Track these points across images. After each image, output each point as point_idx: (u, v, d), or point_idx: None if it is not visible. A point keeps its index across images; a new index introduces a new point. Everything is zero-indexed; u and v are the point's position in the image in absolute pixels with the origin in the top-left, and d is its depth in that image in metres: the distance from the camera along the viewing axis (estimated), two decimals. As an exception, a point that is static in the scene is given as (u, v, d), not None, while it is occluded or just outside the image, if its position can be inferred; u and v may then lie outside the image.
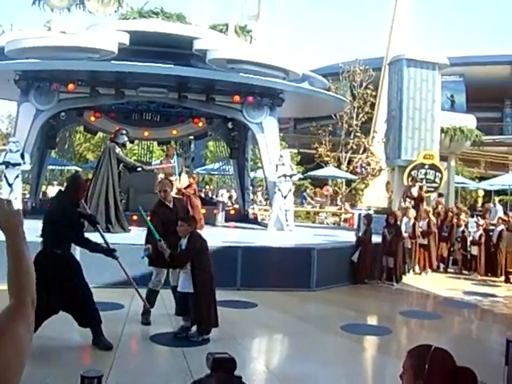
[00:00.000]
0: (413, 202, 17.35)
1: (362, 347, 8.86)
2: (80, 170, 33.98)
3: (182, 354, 7.36)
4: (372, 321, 10.59)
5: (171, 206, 8.94)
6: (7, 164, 15.28)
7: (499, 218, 16.95)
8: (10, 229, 1.88)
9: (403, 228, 14.95)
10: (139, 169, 14.70)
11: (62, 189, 8.57)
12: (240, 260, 11.94)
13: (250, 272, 11.89)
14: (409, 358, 2.88)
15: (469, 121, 22.67)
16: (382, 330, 9.27)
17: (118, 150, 14.25)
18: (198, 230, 14.65)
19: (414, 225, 15.59)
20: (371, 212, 21.17)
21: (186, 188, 15.48)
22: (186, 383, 6.19)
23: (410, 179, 19.05)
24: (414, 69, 19.91)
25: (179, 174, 15.54)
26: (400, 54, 21.09)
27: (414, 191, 17.87)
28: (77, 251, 11.19)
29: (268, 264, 12.27)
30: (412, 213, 15.92)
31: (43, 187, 22.33)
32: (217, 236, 14.82)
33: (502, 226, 15.81)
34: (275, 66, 15.78)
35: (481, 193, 36.89)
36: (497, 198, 25.63)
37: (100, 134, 25.76)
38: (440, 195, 19.73)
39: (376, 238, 14.23)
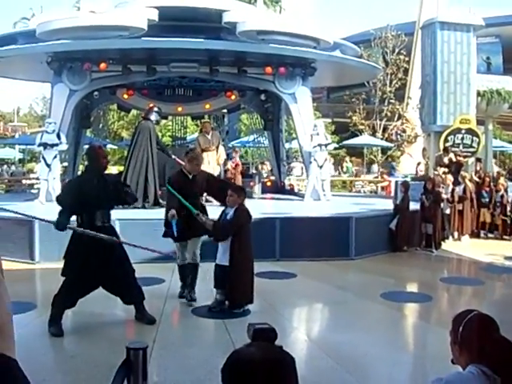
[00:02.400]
0: (448, 169, 17.17)
1: (403, 315, 8.85)
2: (115, 147, 34.37)
3: (224, 325, 7.44)
4: (412, 288, 10.53)
5: (190, 177, 8.83)
6: (45, 145, 15.45)
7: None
8: None
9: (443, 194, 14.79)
10: (173, 156, 14.91)
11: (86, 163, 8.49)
12: (278, 231, 11.97)
13: (289, 243, 11.92)
14: (452, 323, 2.90)
15: (506, 83, 22.18)
16: (423, 298, 9.23)
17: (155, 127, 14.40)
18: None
19: (452, 191, 15.42)
20: (408, 179, 21.00)
21: (234, 168, 15.58)
22: (227, 352, 6.27)
23: (442, 148, 18.78)
24: (448, 32, 19.52)
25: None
26: (433, 17, 20.69)
27: (446, 160, 17.66)
28: (117, 226, 11.44)
29: (306, 234, 12.26)
30: (449, 178, 15.75)
31: (80, 166, 22.58)
32: (255, 208, 14.74)
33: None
34: (306, 36, 15.60)
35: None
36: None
37: (134, 112, 25.86)
38: (478, 160, 19.48)
39: (414, 205, 14.12)
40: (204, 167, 14.31)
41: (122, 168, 19.12)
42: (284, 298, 9.22)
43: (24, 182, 29.20)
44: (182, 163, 15.46)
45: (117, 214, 12.08)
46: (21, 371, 1.77)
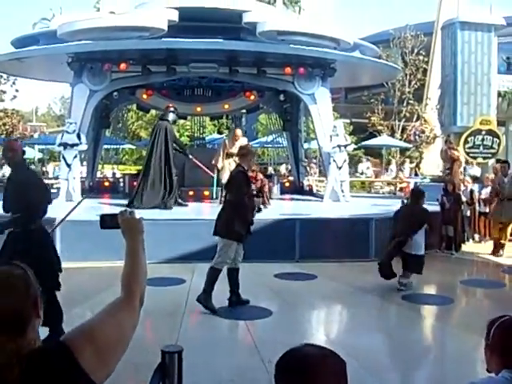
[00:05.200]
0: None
1: (424, 317, 8.84)
2: (133, 147, 34.52)
3: (246, 326, 7.47)
4: (433, 290, 10.47)
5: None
6: (65, 145, 15.58)
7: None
8: (132, 234, 2.28)
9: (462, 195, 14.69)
10: (190, 157, 14.98)
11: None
12: (298, 232, 11.96)
13: (309, 244, 11.90)
14: (486, 328, 2.89)
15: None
16: (444, 300, 9.19)
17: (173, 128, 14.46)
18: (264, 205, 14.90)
19: (471, 192, 15.31)
20: (427, 180, 20.92)
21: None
22: (252, 355, 6.30)
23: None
24: (469, 32, 19.42)
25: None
26: (453, 18, 20.60)
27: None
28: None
29: (326, 235, 12.27)
30: (468, 180, 15.66)
31: (99, 166, 22.73)
32: (274, 209, 14.91)
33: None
34: (326, 36, 15.60)
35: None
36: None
37: (152, 112, 26.01)
38: (499, 161, 19.35)
39: (433, 207, 14.04)
40: (225, 173, 14.47)
41: (140, 167, 19.25)
42: (304, 298, 9.22)
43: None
44: (199, 164, 15.61)
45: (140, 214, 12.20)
46: None
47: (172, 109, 15.23)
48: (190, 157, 15.13)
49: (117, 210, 2.44)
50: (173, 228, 11.42)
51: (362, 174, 31.69)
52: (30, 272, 1.91)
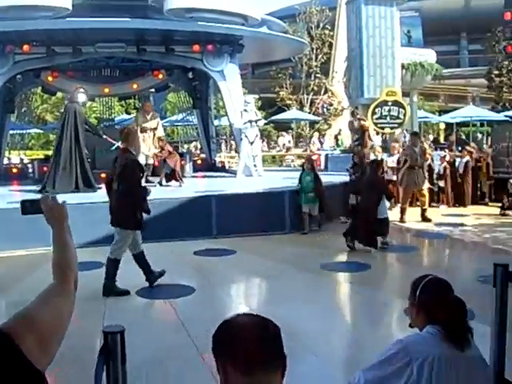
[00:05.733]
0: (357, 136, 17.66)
1: (343, 283, 9.12)
2: (40, 132, 33.51)
3: (170, 305, 7.51)
4: (350, 258, 10.68)
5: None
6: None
7: (464, 149, 17.26)
8: (57, 221, 2.22)
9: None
10: (104, 136, 14.74)
11: None
12: (214, 208, 12.02)
13: (225, 219, 11.97)
14: (410, 287, 3.08)
15: (429, 55, 22.77)
16: (362, 266, 9.49)
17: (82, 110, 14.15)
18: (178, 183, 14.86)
19: (381, 160, 15.77)
20: (338, 152, 21.42)
21: (159, 153, 15.54)
22: (178, 332, 6.37)
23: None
24: (372, 6, 19.82)
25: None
26: (356, -7, 20.94)
27: (356, 124, 18.08)
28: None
29: (242, 210, 12.32)
30: (378, 149, 16.14)
31: (6, 152, 22.02)
32: (188, 187, 14.91)
33: (467, 158, 16.12)
34: (234, 13, 15.63)
35: (442, 126, 37.35)
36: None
37: (58, 94, 25.35)
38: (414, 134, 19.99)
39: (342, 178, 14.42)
40: (142, 146, 14.38)
41: (48, 152, 18.77)
42: (224, 274, 9.33)
43: None
44: (115, 142, 15.40)
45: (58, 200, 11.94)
46: None
47: (81, 90, 14.87)
48: (104, 136, 14.88)
49: (32, 197, 2.40)
50: (88, 211, 11.21)
51: (284, 147, 31.94)
52: None
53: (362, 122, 17.57)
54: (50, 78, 19.19)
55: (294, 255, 10.58)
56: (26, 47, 15.44)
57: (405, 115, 19.17)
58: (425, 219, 13.85)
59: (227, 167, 20.98)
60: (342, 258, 10.62)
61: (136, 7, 15.85)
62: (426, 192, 14.28)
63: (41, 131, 33.35)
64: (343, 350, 6.47)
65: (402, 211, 13.95)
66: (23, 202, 2.37)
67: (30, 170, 19.08)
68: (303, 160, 27.22)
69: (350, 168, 14.16)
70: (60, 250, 2.19)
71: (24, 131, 25.09)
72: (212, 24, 15.59)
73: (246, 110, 16.70)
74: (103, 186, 14.28)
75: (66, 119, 14.12)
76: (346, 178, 14.09)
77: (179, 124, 27.16)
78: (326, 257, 10.20)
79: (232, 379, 1.81)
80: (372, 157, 15.71)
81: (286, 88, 32.89)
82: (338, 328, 6.86)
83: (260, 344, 1.81)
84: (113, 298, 7.88)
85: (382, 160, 13.67)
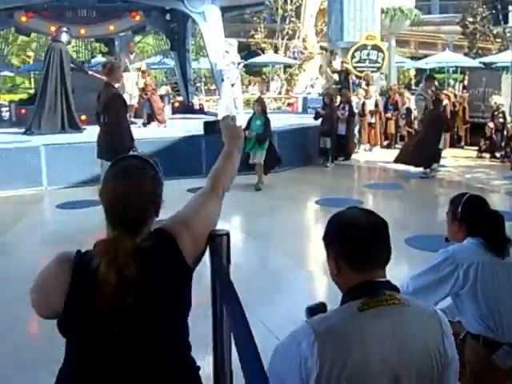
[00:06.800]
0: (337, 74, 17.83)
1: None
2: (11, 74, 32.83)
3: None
4: (341, 194, 10.90)
5: None
6: None
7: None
8: (233, 139, 2.55)
9: (354, 107, 15.38)
10: (90, 72, 14.62)
11: None
12: (204, 148, 12.14)
13: (215, 157, 12.03)
14: (449, 204, 3.34)
15: (407, 0, 22.81)
16: (354, 202, 9.78)
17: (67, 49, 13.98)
18: (161, 124, 14.86)
19: (363, 104, 16.02)
20: (316, 95, 21.52)
21: (143, 89, 15.46)
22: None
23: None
24: None
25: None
26: None
27: (336, 64, 18.20)
28: (42, 151, 11.30)
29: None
30: (361, 92, 16.33)
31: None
32: (174, 128, 14.95)
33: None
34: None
35: (412, 72, 37.65)
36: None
37: (23, 38, 24.76)
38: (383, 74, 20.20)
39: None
40: (127, 86, 14.31)
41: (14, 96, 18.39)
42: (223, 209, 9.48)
43: None
44: (101, 77, 15.32)
45: (42, 140, 11.97)
46: None
47: (65, 29, 14.65)
48: (90, 72, 14.77)
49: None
50: (80, 151, 11.24)
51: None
52: (160, 172, 2.13)
53: (346, 65, 17.69)
54: (23, 19, 18.65)
55: (289, 191, 10.78)
56: (0, -16, 15.04)
57: (383, 59, 19.28)
58: None
59: (206, 110, 20.92)
60: (334, 195, 10.83)
61: None
62: None
63: (11, 74, 32.69)
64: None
65: None
66: (206, 123, 2.64)
67: (6, 114, 18.80)
68: (281, 102, 27.64)
69: (321, 109, 14.28)
70: (223, 162, 2.48)
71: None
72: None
73: (227, 52, 16.66)
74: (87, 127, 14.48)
75: (52, 58, 13.94)
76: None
77: (156, 67, 26.89)
78: (319, 193, 10.43)
79: (343, 271, 2.00)
80: (354, 100, 15.93)
81: (261, 32, 32.71)
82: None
83: (371, 241, 1.97)
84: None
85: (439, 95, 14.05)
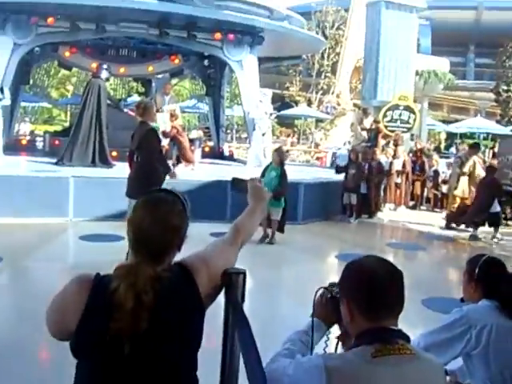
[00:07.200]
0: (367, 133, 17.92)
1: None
2: (48, 106, 33.56)
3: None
4: (362, 251, 10.94)
5: None
6: (-14, 99, 15.05)
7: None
8: (258, 199, 2.71)
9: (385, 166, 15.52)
10: (125, 110, 14.90)
11: None
12: (230, 194, 12.22)
13: (239, 204, 12.08)
14: (466, 265, 3.37)
15: (442, 64, 22.98)
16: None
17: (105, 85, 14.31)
18: (188, 164, 14.92)
19: (390, 163, 16.08)
20: (345, 151, 21.61)
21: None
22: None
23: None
24: (392, 11, 19.99)
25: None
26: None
27: (367, 123, 18.30)
28: (71, 183, 11.50)
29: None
30: (389, 152, 16.42)
31: (16, 125, 22.11)
32: (202, 171, 15.12)
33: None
34: (261, 5, 15.84)
35: (443, 136, 37.71)
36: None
37: (64, 72, 25.41)
38: (413, 136, 20.24)
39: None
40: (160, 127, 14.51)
41: (49, 127, 18.82)
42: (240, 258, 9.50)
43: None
44: (133, 114, 15.61)
45: (72, 171, 12.19)
46: None
47: (105, 66, 15.05)
48: (125, 110, 15.07)
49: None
50: (108, 186, 11.42)
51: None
52: (188, 209, 2.28)
53: (378, 124, 17.81)
54: (67, 53, 19.27)
55: (308, 245, 10.77)
56: (50, 20, 15.50)
57: (414, 120, 19.38)
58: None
59: (235, 157, 21.13)
60: (355, 250, 10.85)
61: (163, -10, 15.97)
62: None
63: (49, 105, 33.42)
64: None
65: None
66: (234, 179, 2.76)
67: (41, 143, 19.20)
68: (310, 155, 27.75)
69: (344, 166, 14.36)
70: (247, 217, 2.65)
71: (36, 104, 25.18)
72: (237, 14, 15.73)
73: (261, 101, 16.91)
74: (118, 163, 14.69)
75: (90, 94, 14.30)
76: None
77: (190, 111, 27.35)
78: (340, 248, 10.40)
79: (356, 319, 2.04)
80: (383, 159, 16.00)
81: (296, 85, 33.13)
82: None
83: (387, 291, 2.02)
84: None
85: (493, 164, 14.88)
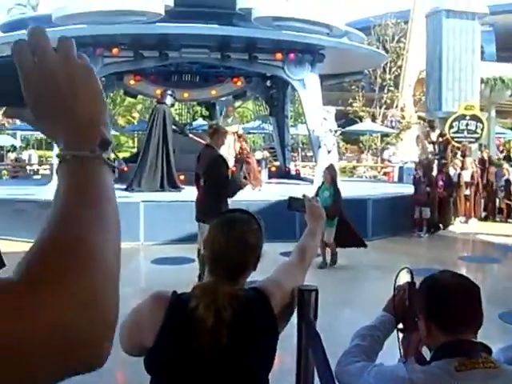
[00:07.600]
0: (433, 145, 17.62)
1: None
2: (116, 133, 34.36)
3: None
4: (434, 265, 10.74)
5: None
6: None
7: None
8: (316, 219, 2.68)
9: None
10: (190, 135, 15.18)
11: None
12: (298, 213, 12.20)
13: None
14: None
15: (509, 70, 22.49)
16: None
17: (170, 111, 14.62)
18: (255, 187, 15.01)
19: (459, 175, 15.79)
20: (409, 165, 21.36)
21: (240, 153, 15.81)
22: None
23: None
24: (453, 19, 19.74)
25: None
26: (437, 6, 20.87)
27: (434, 136, 18.00)
28: (141, 208, 11.73)
29: (324, 216, 12.47)
30: (457, 164, 16.13)
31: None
32: (270, 191, 15.19)
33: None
34: (319, 22, 15.86)
35: (513, 143, 36.81)
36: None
37: (129, 100, 26.03)
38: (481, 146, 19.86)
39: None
40: (223, 148, 14.65)
41: (118, 154, 19.28)
42: (309, 275, 9.49)
43: (28, 168, 29.59)
44: (200, 140, 15.87)
45: (141, 196, 12.44)
46: None
47: (170, 92, 15.40)
48: (191, 135, 15.34)
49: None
50: (177, 209, 11.61)
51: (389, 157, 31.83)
52: (261, 224, 2.32)
53: (447, 136, 17.57)
54: (132, 82, 19.73)
55: (380, 260, 10.68)
56: (115, 50, 15.92)
57: (482, 130, 18.98)
58: None
59: (302, 176, 21.15)
60: (428, 265, 10.69)
61: (222, 14, 16.23)
62: None
63: (116, 133, 34.19)
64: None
65: None
66: (290, 198, 2.78)
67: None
68: (377, 170, 27.53)
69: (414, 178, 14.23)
70: (309, 238, 2.63)
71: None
72: (296, 33, 15.81)
73: (325, 119, 16.88)
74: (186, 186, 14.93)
75: (155, 120, 14.65)
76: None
77: (254, 132, 27.58)
78: (411, 264, 10.25)
79: (433, 335, 2.02)
80: (451, 171, 15.74)
81: (359, 100, 33.01)
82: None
83: (464, 307, 2.01)
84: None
85: None
